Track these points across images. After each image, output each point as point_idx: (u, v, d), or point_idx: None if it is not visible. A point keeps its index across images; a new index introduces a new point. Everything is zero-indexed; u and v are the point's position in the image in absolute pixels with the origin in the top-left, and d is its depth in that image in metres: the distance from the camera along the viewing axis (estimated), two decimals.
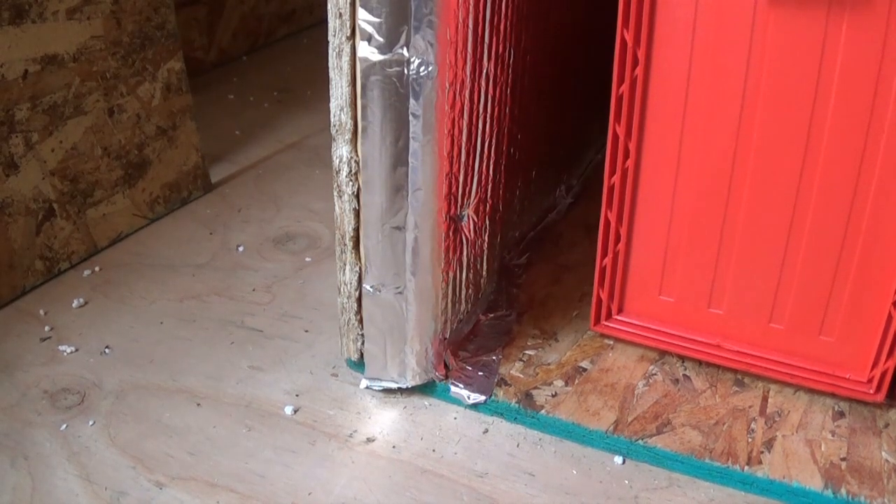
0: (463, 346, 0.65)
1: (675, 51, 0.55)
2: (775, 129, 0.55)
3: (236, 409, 0.62)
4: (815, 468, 0.55)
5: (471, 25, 0.55)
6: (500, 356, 0.65)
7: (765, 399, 0.61)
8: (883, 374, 0.57)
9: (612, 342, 0.67)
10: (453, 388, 0.61)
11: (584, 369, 0.64)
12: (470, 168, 0.60)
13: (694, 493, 0.55)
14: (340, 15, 0.51)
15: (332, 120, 0.55)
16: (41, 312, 0.72)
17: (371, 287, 0.59)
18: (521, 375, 0.63)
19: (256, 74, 1.21)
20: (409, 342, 0.60)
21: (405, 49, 0.50)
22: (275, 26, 1.36)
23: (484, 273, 0.69)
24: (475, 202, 0.62)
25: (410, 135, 0.53)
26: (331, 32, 0.52)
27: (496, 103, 0.62)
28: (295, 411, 0.61)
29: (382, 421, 0.61)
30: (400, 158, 0.53)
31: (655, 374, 0.64)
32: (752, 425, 0.59)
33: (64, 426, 0.59)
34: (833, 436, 0.58)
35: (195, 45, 1.20)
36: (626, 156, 0.60)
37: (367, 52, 0.51)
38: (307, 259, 0.81)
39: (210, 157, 0.96)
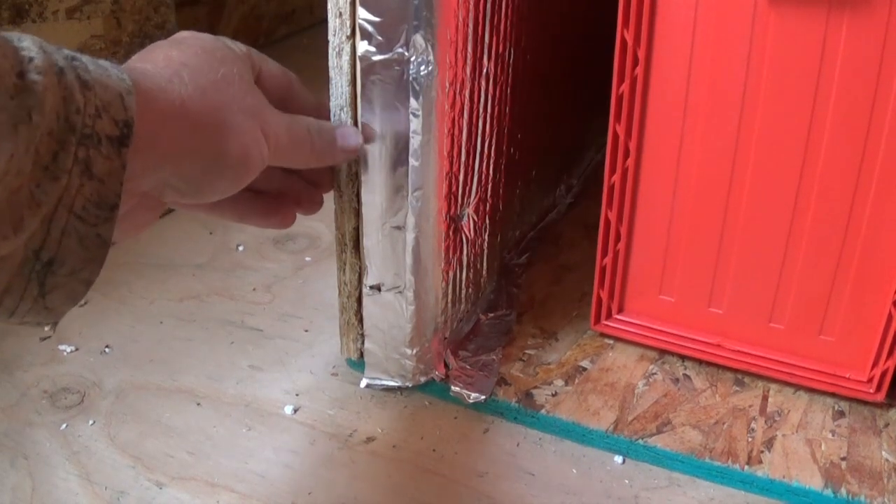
0: (463, 345, 0.65)
1: (675, 50, 0.56)
2: (775, 129, 0.55)
3: (236, 408, 0.62)
4: (815, 468, 0.55)
5: (471, 25, 0.55)
6: (500, 356, 0.65)
7: (765, 399, 0.61)
8: (883, 374, 0.57)
9: (612, 342, 0.67)
10: (453, 388, 0.61)
11: (585, 369, 0.64)
12: (470, 168, 0.60)
13: (694, 493, 0.55)
14: (340, 14, 0.51)
15: (332, 119, 0.55)
16: None
17: (371, 287, 0.59)
18: (521, 375, 0.63)
19: None
20: (409, 342, 0.60)
21: (405, 48, 0.50)
22: (275, 26, 1.36)
23: (484, 272, 0.69)
24: (475, 202, 0.62)
25: (410, 134, 0.53)
26: (331, 32, 0.52)
27: (496, 103, 0.62)
28: (295, 411, 0.61)
29: (382, 420, 0.61)
30: (400, 158, 0.53)
31: (655, 374, 0.64)
32: (753, 425, 0.59)
33: (64, 426, 0.59)
34: (833, 435, 0.58)
35: None
36: (626, 155, 0.60)
37: (367, 51, 0.51)
38: (307, 259, 0.81)
39: None
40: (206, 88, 0.40)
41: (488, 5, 0.57)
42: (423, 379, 0.62)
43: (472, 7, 0.54)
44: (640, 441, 0.57)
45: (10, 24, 0.69)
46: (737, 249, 0.59)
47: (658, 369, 0.64)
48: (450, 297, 0.62)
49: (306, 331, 0.71)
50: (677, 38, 0.55)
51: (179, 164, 0.39)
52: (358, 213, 0.58)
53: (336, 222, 0.59)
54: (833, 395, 0.61)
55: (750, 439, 0.57)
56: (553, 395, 0.61)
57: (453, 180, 0.58)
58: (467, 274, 0.65)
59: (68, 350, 0.67)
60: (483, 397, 0.61)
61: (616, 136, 0.59)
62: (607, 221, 0.62)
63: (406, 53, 0.51)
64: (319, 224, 0.87)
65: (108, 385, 0.64)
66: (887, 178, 0.53)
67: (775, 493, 0.54)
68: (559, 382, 0.63)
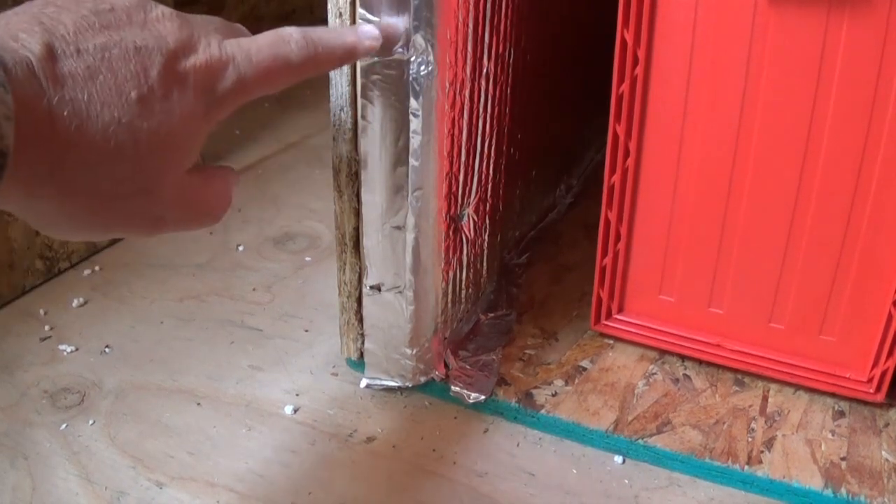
0: (463, 345, 0.65)
1: (675, 50, 0.55)
2: (775, 129, 0.55)
3: (236, 408, 0.62)
4: (815, 468, 0.55)
5: (471, 25, 0.55)
6: (500, 356, 0.65)
7: (765, 399, 0.61)
8: (883, 374, 0.57)
9: (612, 342, 0.67)
10: (453, 388, 0.61)
11: (585, 369, 0.64)
12: (470, 168, 0.60)
13: (694, 493, 0.55)
14: (340, 14, 0.51)
15: (332, 119, 0.55)
16: (41, 312, 0.72)
17: (371, 287, 0.59)
18: (521, 375, 0.63)
19: None
20: (409, 342, 0.60)
21: (405, 48, 0.50)
22: (275, 26, 1.36)
23: (484, 272, 0.69)
24: (475, 202, 0.62)
25: (410, 134, 0.53)
26: None
27: (496, 103, 0.62)
28: (295, 411, 0.61)
29: (382, 420, 0.61)
30: (400, 158, 0.53)
31: (655, 374, 0.64)
32: (753, 425, 0.59)
33: (64, 426, 0.59)
34: (833, 435, 0.58)
35: None
36: (626, 155, 0.60)
37: None
38: (307, 259, 0.81)
39: (210, 157, 0.96)
40: (110, 120, 0.33)
41: (488, 5, 0.57)
42: (423, 379, 0.62)
43: (472, 7, 0.54)
44: (640, 441, 0.57)
45: None
46: (737, 249, 0.59)
47: (658, 369, 0.64)
48: (450, 297, 0.62)
49: (306, 331, 0.71)
50: (677, 38, 0.55)
51: (63, 200, 0.33)
52: (358, 213, 0.58)
53: (336, 222, 0.59)
54: (833, 395, 0.61)
55: (750, 439, 0.57)
56: (553, 395, 0.61)
57: (453, 180, 0.58)
58: (467, 274, 0.65)
59: (68, 350, 0.67)
60: (483, 397, 0.61)
61: (616, 136, 0.59)
62: (607, 221, 0.62)
63: (406, 53, 0.51)
64: (319, 224, 0.87)
65: (108, 385, 0.64)
66: (887, 178, 0.53)
67: (775, 493, 0.54)
68: (559, 382, 0.63)
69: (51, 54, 0.32)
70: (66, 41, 0.32)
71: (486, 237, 0.67)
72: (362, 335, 0.62)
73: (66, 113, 0.31)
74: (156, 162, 0.35)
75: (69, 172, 0.32)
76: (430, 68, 0.51)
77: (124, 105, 0.33)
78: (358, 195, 0.57)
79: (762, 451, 0.56)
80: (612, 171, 0.60)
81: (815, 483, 0.54)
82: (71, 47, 0.32)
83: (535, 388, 0.62)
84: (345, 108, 0.54)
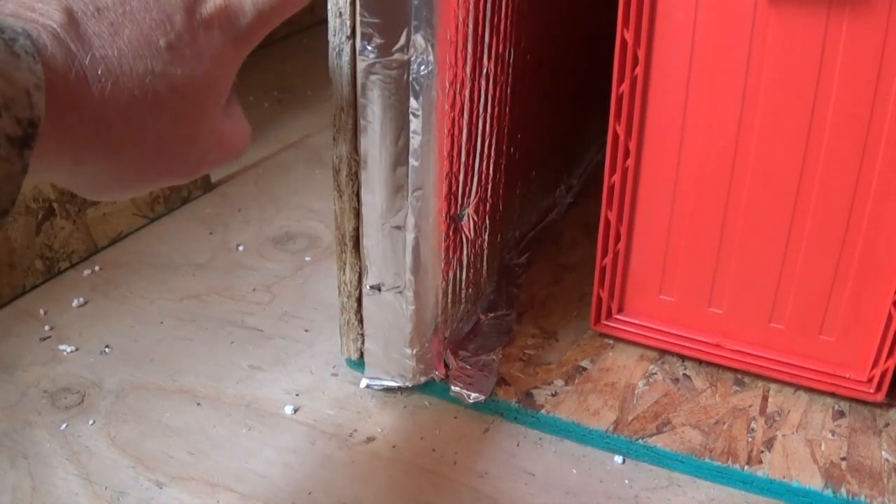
0: (463, 345, 0.65)
1: (675, 50, 0.56)
2: (775, 129, 0.55)
3: (236, 408, 0.62)
4: (815, 468, 0.55)
5: (471, 25, 0.55)
6: (500, 356, 0.65)
7: (765, 398, 0.61)
8: (883, 374, 0.57)
9: (612, 342, 0.67)
10: (453, 388, 0.61)
11: (585, 369, 0.64)
12: (470, 168, 0.60)
13: (694, 493, 0.55)
14: (340, 14, 0.51)
15: (332, 119, 0.55)
16: (41, 312, 0.72)
17: (371, 287, 0.59)
18: (521, 375, 0.63)
19: (256, 74, 1.21)
20: (409, 342, 0.60)
21: (405, 49, 0.50)
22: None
23: (484, 272, 0.69)
24: (475, 202, 0.62)
25: (410, 134, 0.53)
26: (331, 32, 0.52)
27: (496, 103, 0.62)
28: (295, 411, 0.61)
29: (382, 421, 0.61)
30: (400, 158, 0.53)
31: (655, 374, 0.64)
32: (753, 425, 0.59)
33: (64, 426, 0.59)
34: (833, 435, 0.58)
35: None
36: (627, 155, 0.60)
37: (367, 51, 0.51)
38: (307, 259, 0.81)
39: None
40: (145, 70, 0.33)
41: (488, 5, 0.57)
42: (423, 379, 0.62)
43: (472, 7, 0.54)
44: (640, 441, 0.57)
45: None
46: (737, 249, 0.59)
47: (658, 369, 0.64)
48: (450, 297, 0.62)
49: (306, 331, 0.71)
50: (677, 38, 0.55)
51: (111, 161, 0.34)
52: (358, 213, 0.58)
53: (336, 222, 0.59)
54: (833, 395, 0.61)
55: (750, 439, 0.57)
56: (553, 395, 0.61)
57: (453, 180, 0.58)
58: (467, 274, 0.65)
59: (68, 350, 0.67)
60: (483, 397, 0.61)
61: (616, 136, 0.59)
62: (607, 221, 0.62)
63: (406, 54, 0.51)
64: (319, 224, 0.87)
65: (108, 385, 0.64)
66: (887, 178, 0.53)
67: (775, 493, 0.54)
68: (559, 382, 0.63)
69: (72, 18, 0.32)
70: (84, 3, 0.32)
71: (486, 237, 0.67)
72: (362, 335, 0.62)
73: (99, 71, 0.31)
74: (195, 107, 0.36)
75: (114, 132, 0.33)
76: (430, 68, 0.51)
77: (155, 54, 0.33)
78: (358, 195, 0.57)
79: (762, 451, 0.56)
80: (612, 171, 0.60)
81: (815, 483, 0.54)
82: (90, 7, 0.32)
83: (535, 388, 0.62)
84: (345, 108, 0.54)
